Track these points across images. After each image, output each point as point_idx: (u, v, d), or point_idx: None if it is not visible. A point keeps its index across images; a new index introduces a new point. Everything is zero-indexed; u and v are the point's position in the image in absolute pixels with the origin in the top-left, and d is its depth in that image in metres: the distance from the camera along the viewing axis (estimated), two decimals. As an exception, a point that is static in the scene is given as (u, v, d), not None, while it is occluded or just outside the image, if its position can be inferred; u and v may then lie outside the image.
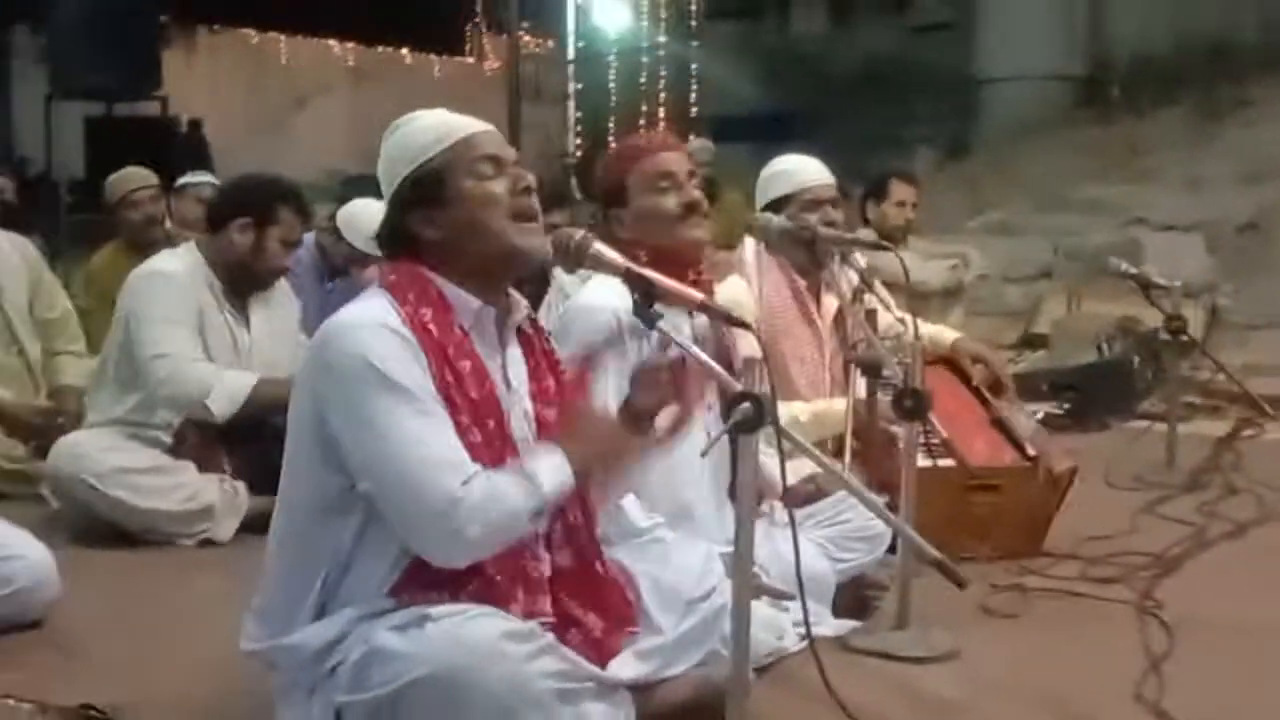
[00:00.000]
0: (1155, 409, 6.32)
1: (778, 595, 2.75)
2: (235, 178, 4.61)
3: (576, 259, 2.47)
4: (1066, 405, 6.30)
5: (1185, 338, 5.16)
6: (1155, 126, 12.39)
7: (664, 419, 2.46)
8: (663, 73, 19.19)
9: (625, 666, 2.47)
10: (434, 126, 2.47)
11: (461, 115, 2.51)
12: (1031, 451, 3.98)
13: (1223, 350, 6.90)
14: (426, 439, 2.26)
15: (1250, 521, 4.38)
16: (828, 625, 3.13)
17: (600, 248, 2.47)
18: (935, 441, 3.55)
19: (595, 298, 3.00)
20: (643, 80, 19.34)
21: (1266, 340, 8.79)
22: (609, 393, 2.68)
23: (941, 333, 4.41)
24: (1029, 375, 6.50)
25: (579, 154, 18.24)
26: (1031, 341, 8.28)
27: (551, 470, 2.34)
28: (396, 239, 2.47)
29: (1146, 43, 13.45)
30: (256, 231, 4.23)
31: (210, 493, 4.15)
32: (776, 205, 3.91)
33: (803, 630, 2.92)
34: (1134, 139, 12.20)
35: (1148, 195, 11.06)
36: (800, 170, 3.99)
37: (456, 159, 2.42)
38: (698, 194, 3.11)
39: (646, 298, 2.39)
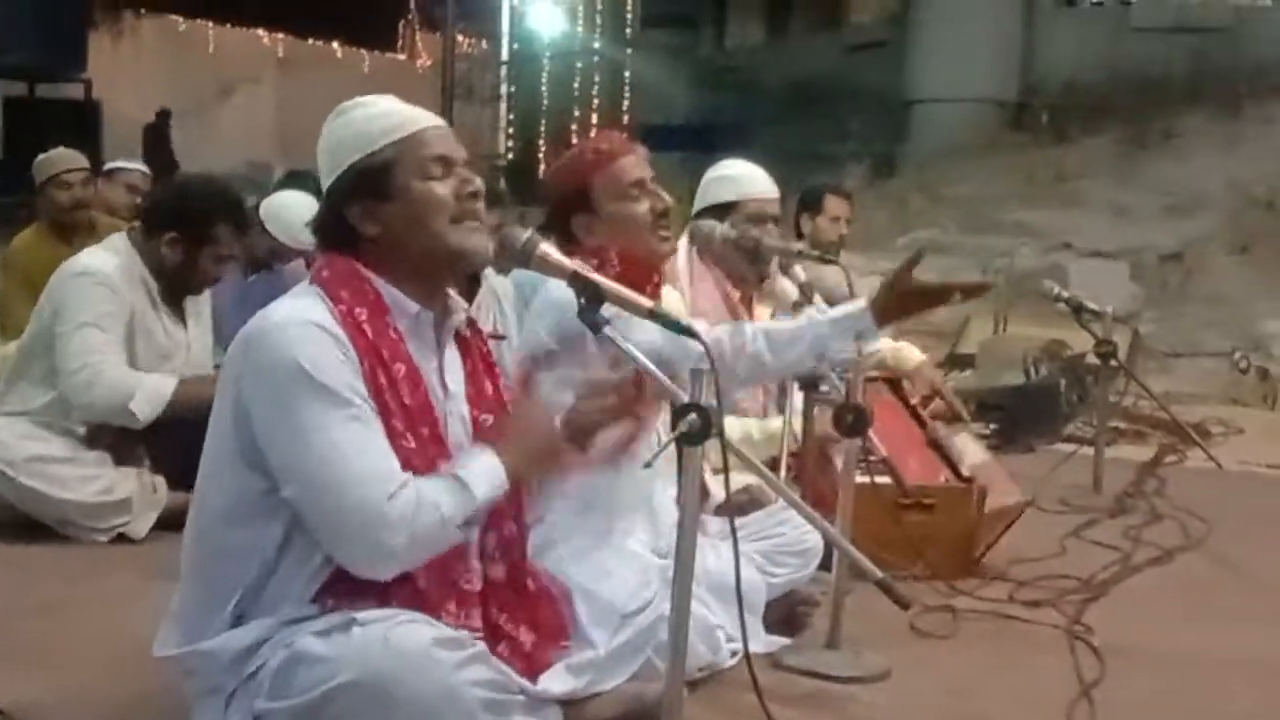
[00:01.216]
0: (1080, 433, 6.37)
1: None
2: (177, 181, 4.44)
3: (522, 259, 2.40)
4: (993, 426, 6.32)
5: (1115, 363, 5.19)
6: (1083, 154, 12.56)
7: (608, 437, 2.41)
8: (596, 79, 19.17)
9: (556, 680, 2.42)
10: (385, 116, 2.37)
11: (414, 107, 2.42)
12: (966, 473, 3.97)
13: (1144, 378, 6.96)
14: (355, 447, 2.18)
15: (1176, 548, 4.41)
16: (759, 641, 3.08)
17: (547, 249, 2.40)
18: (874, 459, 3.51)
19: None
20: (576, 85, 19.31)
21: (1185, 369, 8.94)
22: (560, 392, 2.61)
23: (903, 350, 4.40)
24: (957, 394, 6.50)
25: (510, 156, 18.16)
26: (957, 361, 8.30)
27: (485, 474, 2.28)
28: (332, 230, 2.37)
29: (1078, 71, 13.65)
30: (188, 248, 4.08)
31: (127, 485, 4.03)
32: (719, 210, 3.86)
33: (734, 645, 2.91)
34: (1062, 165, 12.36)
35: (1074, 221, 11.21)
36: (748, 180, 3.95)
37: (406, 154, 2.33)
38: (668, 200, 3.05)
39: (593, 301, 2.33)
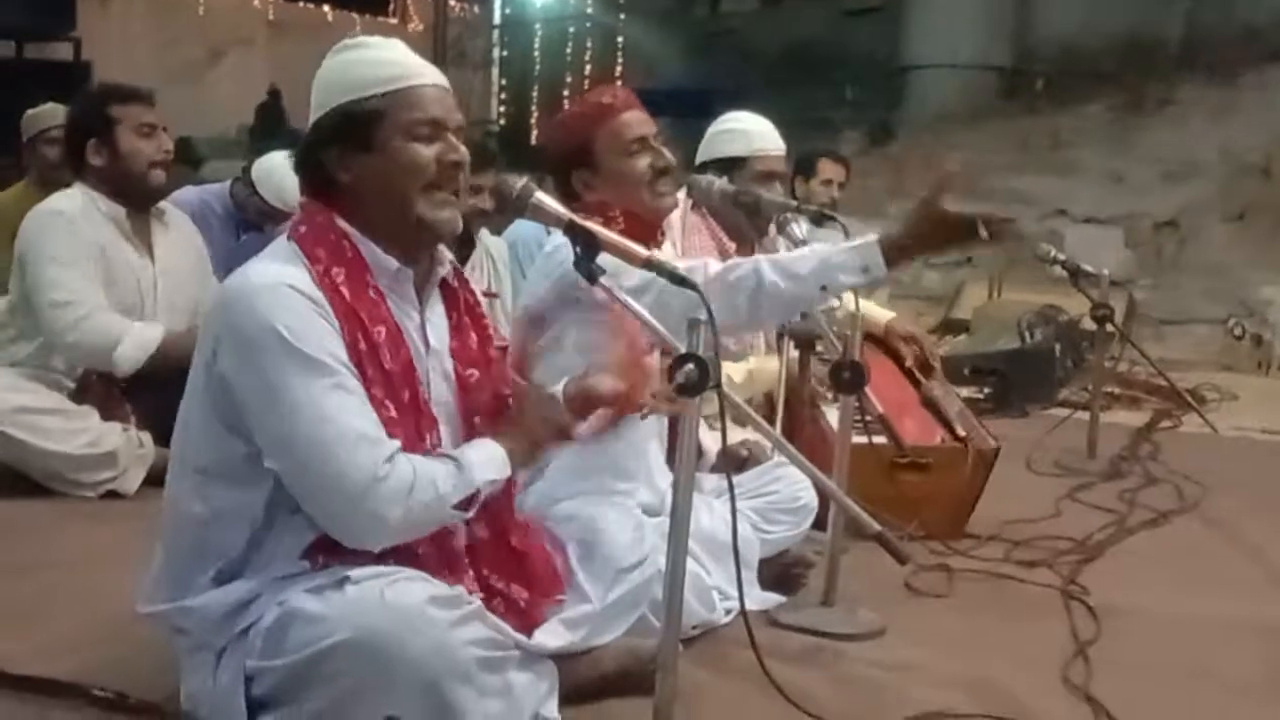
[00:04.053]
0: (1074, 397, 6.36)
1: None
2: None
3: (517, 207, 2.36)
4: (987, 390, 6.30)
5: (1111, 326, 5.17)
6: (1079, 120, 12.51)
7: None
8: (589, 43, 19.06)
9: (552, 635, 2.40)
10: (384, 63, 2.28)
11: (418, 59, 2.32)
12: (961, 432, 3.95)
13: (1139, 344, 6.94)
14: (341, 414, 2.12)
15: (1170, 511, 4.41)
16: (754, 598, 3.06)
17: (542, 197, 2.36)
18: (869, 417, 3.49)
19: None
20: (568, 50, 19.20)
21: (1179, 335, 8.94)
22: (566, 347, 2.57)
23: (873, 310, 4.37)
24: (951, 359, 6.45)
25: (502, 121, 18.07)
26: (951, 326, 8.29)
27: (485, 462, 2.24)
28: (309, 171, 2.30)
29: (1073, 37, 13.58)
30: (107, 144, 4.11)
31: (113, 439, 4.00)
32: (726, 164, 3.83)
33: (729, 604, 2.89)
34: (1057, 132, 12.31)
35: (1069, 188, 11.17)
36: (759, 135, 3.93)
37: (396, 109, 2.24)
38: (670, 157, 3.01)
39: (589, 251, 2.29)
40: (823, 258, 2.77)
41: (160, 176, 4.21)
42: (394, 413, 2.19)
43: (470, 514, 2.25)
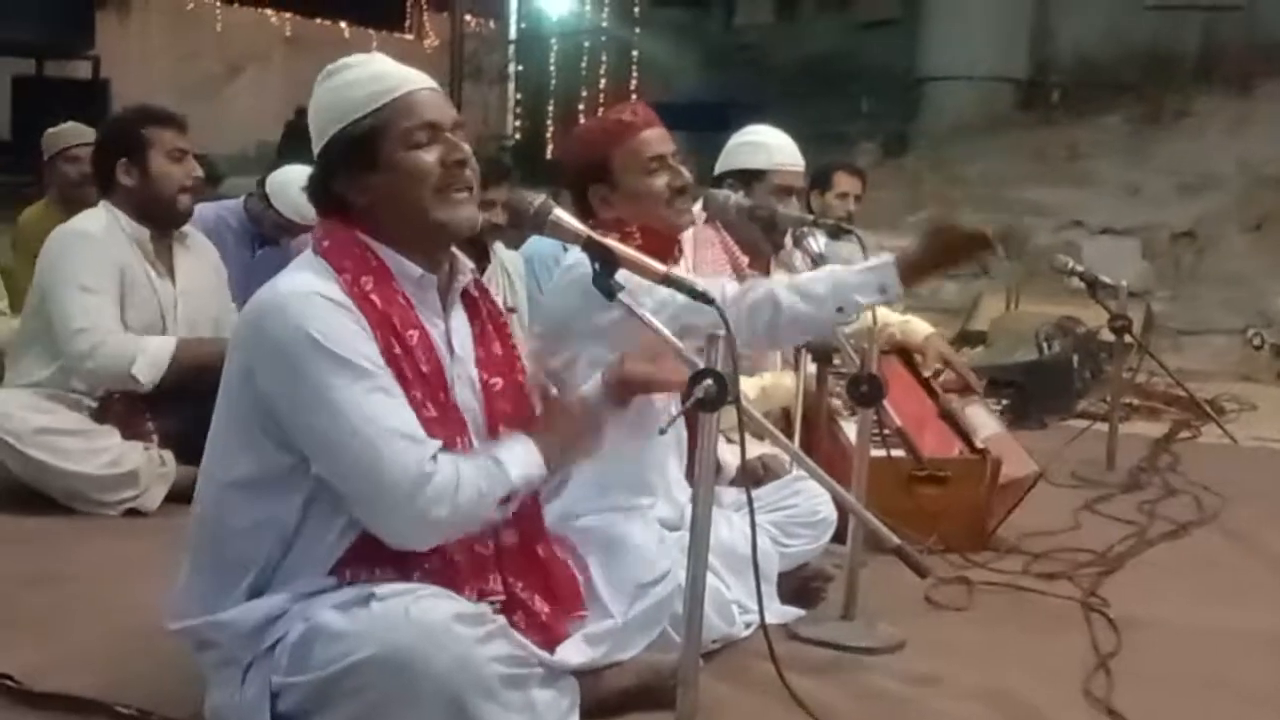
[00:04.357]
0: (1092, 409, 6.34)
1: None
2: (99, 132, 4.49)
3: (535, 224, 2.37)
4: (1005, 402, 6.28)
5: (1130, 338, 5.16)
6: (1095, 132, 12.49)
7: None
8: (604, 58, 19.07)
9: (574, 651, 2.41)
10: (370, 79, 2.30)
11: (402, 67, 2.34)
12: (980, 445, 3.95)
13: (1157, 355, 6.94)
14: (384, 415, 2.14)
15: (1190, 523, 4.40)
16: (773, 612, 3.06)
17: (560, 214, 2.38)
18: (887, 431, 3.49)
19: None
20: (584, 64, 19.22)
21: (1197, 346, 8.91)
22: (581, 366, 2.58)
23: (911, 323, 4.37)
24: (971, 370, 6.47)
25: (517, 135, 18.10)
26: (969, 338, 8.27)
27: (522, 461, 2.25)
28: (324, 199, 2.33)
29: (1090, 48, 13.56)
30: (138, 165, 4.12)
31: (134, 458, 4.01)
32: (745, 176, 3.84)
33: (749, 618, 2.89)
34: (1074, 143, 12.29)
35: (1086, 199, 11.16)
36: (779, 149, 3.94)
37: (390, 122, 2.26)
38: (688, 176, 3.02)
39: (607, 268, 2.30)
40: (838, 278, 2.79)
41: (188, 202, 4.23)
42: (433, 413, 2.22)
43: (509, 511, 2.26)
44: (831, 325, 2.98)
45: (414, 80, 2.32)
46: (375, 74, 2.32)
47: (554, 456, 2.31)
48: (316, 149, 2.32)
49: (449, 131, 2.30)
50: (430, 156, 2.27)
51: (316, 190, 2.34)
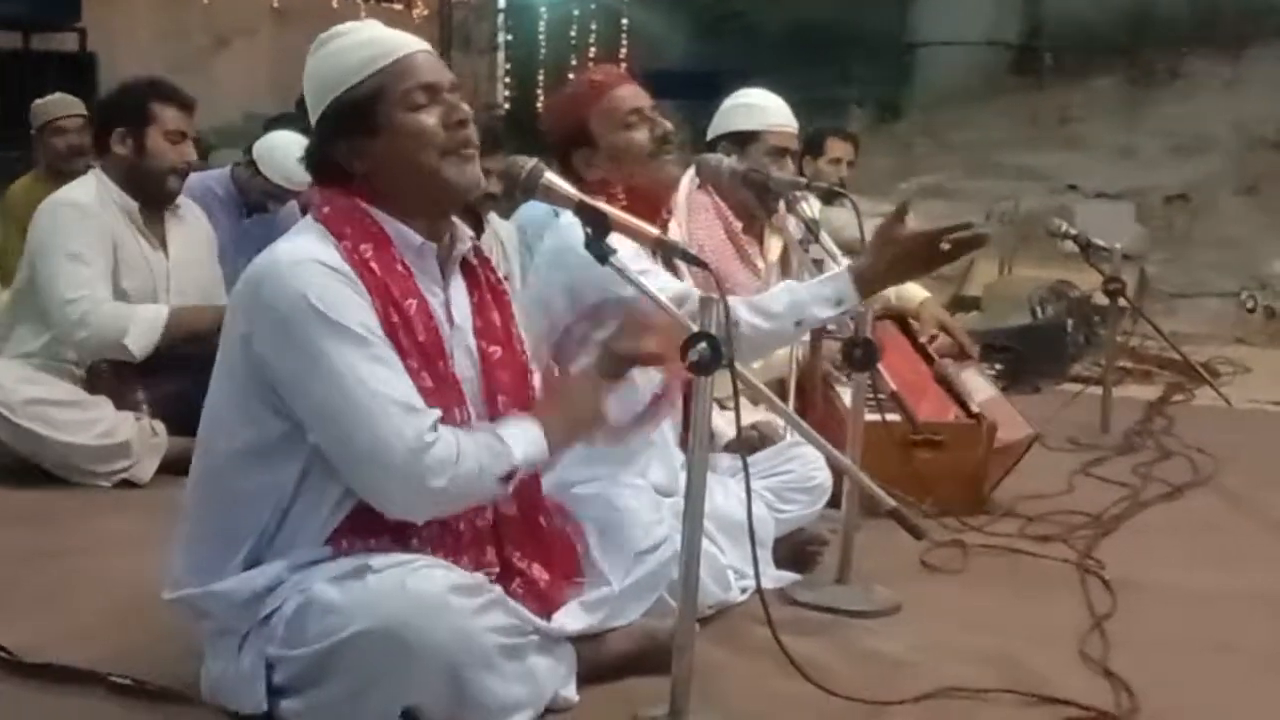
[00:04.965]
0: (1086, 372, 6.35)
1: None
2: (105, 94, 4.47)
3: (527, 188, 2.35)
4: (999, 366, 6.27)
5: (1123, 301, 5.15)
6: (1087, 95, 12.47)
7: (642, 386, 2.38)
8: (594, 26, 18.98)
9: (571, 618, 2.40)
10: (364, 44, 2.29)
11: (395, 32, 2.33)
12: (975, 409, 3.94)
13: (1151, 319, 6.94)
14: (382, 383, 2.12)
15: (1185, 485, 4.41)
16: (769, 577, 3.06)
17: (552, 177, 2.36)
18: (881, 395, 3.48)
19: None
20: (573, 33, 19.13)
21: (1191, 309, 8.91)
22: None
23: (907, 288, 4.37)
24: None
25: (508, 104, 18.02)
26: (963, 304, 8.26)
27: (525, 440, 2.24)
28: (324, 168, 2.31)
29: (1081, 11, 13.50)
30: (135, 137, 4.12)
31: (127, 429, 4.01)
32: (739, 138, 3.84)
33: (745, 583, 2.89)
34: (1066, 107, 12.27)
35: (1079, 162, 11.16)
36: (772, 110, 3.93)
37: (388, 85, 2.24)
38: (668, 125, 3.01)
39: (599, 231, 2.29)
40: (795, 295, 2.83)
41: (177, 185, 4.23)
42: (429, 383, 2.20)
43: (509, 489, 2.25)
44: (791, 340, 2.98)
45: (409, 44, 2.31)
46: (369, 39, 2.30)
47: (557, 437, 2.30)
48: (314, 118, 2.31)
49: (447, 92, 2.29)
50: (431, 118, 2.26)
51: (314, 160, 2.32)
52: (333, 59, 2.30)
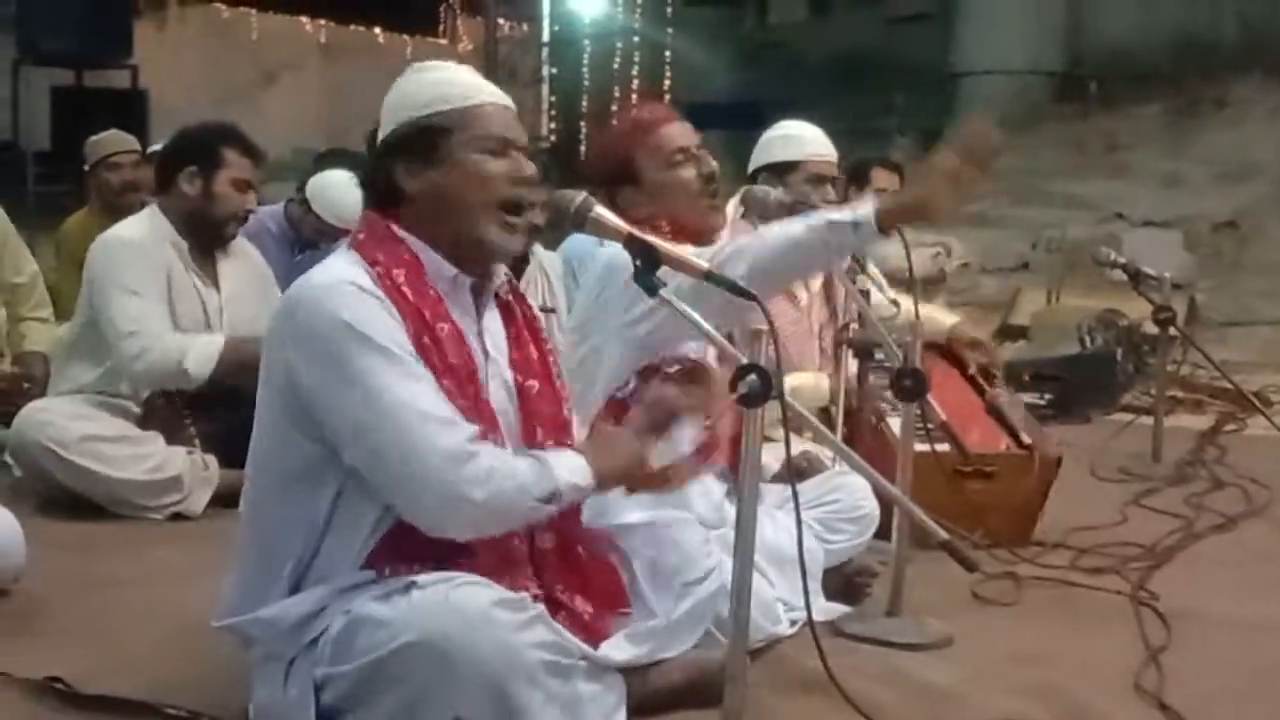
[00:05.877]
0: (1137, 402, 6.29)
1: None
2: (176, 131, 4.51)
3: (576, 222, 2.36)
4: (1049, 396, 6.24)
5: (1173, 330, 5.11)
6: (1133, 123, 12.42)
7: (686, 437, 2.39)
8: (637, 58, 19.07)
9: (618, 649, 2.39)
10: (455, 82, 2.35)
11: (487, 82, 2.39)
12: (1026, 440, 3.92)
13: (1201, 347, 6.88)
14: (418, 399, 2.14)
15: (1239, 515, 4.35)
16: (819, 609, 3.04)
17: (601, 211, 2.37)
18: (931, 425, 3.47)
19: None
20: (617, 65, 19.23)
21: (1242, 337, 8.83)
22: (604, 360, 2.57)
23: (936, 314, 4.35)
24: (1012, 364, 6.43)
25: (552, 137, 18.13)
26: (1009, 332, 8.24)
27: (569, 466, 2.24)
28: (376, 182, 2.34)
29: (1125, 39, 13.47)
30: (204, 179, 4.14)
31: (178, 463, 4.03)
32: (778, 169, 3.85)
33: (794, 616, 2.87)
34: (1112, 135, 12.22)
35: (1126, 191, 11.11)
36: (811, 140, 3.95)
37: (466, 123, 2.29)
38: (713, 164, 3.02)
39: (649, 264, 2.29)
40: (811, 220, 2.79)
41: (235, 231, 4.27)
42: (462, 403, 2.21)
43: (554, 510, 2.24)
44: (817, 248, 2.86)
45: (498, 97, 2.36)
46: (460, 79, 2.37)
47: (604, 472, 2.30)
48: (383, 134, 2.34)
49: (517, 150, 2.33)
50: (497, 166, 2.29)
51: (370, 173, 2.36)
52: (422, 84, 2.35)
